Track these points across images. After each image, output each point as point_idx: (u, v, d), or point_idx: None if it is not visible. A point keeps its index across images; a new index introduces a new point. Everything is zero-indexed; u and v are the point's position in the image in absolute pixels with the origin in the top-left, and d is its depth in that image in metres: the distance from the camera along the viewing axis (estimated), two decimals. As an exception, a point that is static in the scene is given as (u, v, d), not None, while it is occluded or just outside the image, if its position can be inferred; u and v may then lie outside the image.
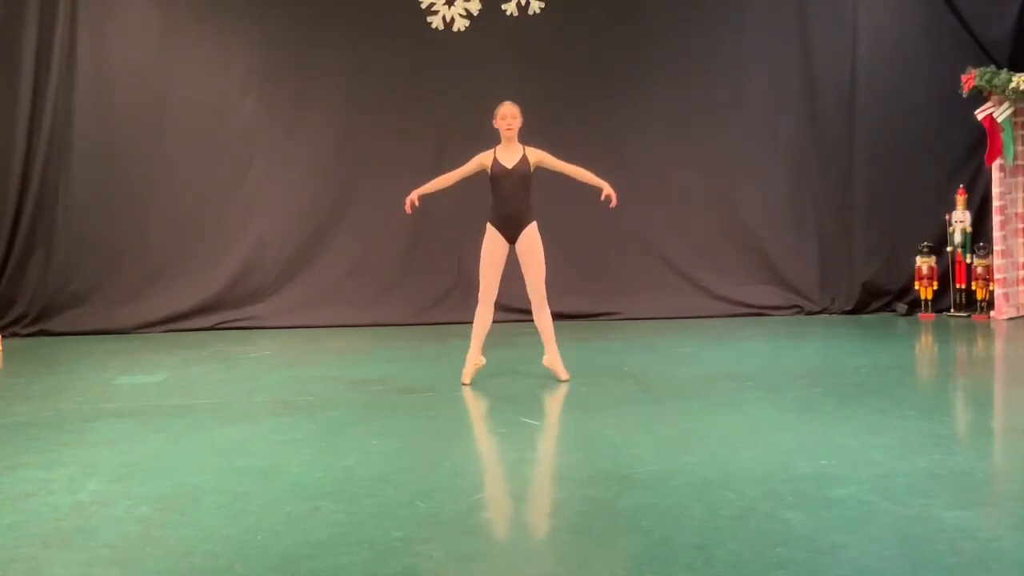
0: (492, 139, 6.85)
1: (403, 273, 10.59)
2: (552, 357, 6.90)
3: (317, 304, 10.41)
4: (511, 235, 6.71)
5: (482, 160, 6.78)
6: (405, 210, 6.87)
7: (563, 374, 6.90)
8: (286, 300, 10.46)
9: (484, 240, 6.77)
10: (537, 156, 6.78)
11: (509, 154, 6.73)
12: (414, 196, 6.86)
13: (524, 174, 6.72)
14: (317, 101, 10.52)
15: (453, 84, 10.44)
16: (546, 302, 6.79)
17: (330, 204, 10.55)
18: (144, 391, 6.97)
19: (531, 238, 6.72)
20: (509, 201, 6.69)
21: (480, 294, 6.83)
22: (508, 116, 6.71)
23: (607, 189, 6.83)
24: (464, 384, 6.83)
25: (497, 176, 6.71)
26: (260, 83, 10.48)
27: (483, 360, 6.95)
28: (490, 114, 6.82)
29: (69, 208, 10.21)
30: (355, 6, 10.54)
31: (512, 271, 6.88)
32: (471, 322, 6.90)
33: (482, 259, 6.80)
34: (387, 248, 10.55)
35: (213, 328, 10.21)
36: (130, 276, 10.27)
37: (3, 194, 10.09)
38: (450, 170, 6.97)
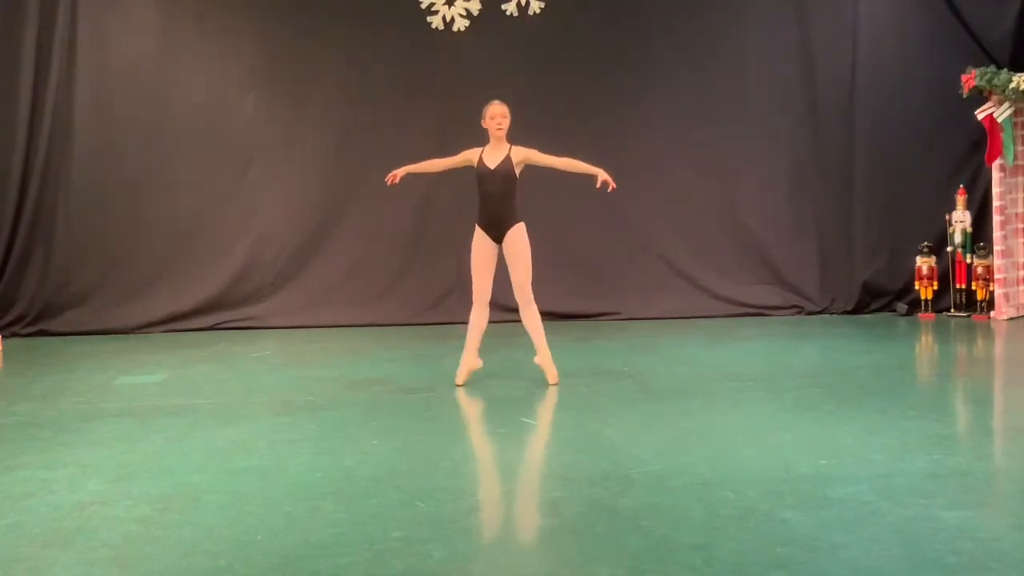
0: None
1: (403, 273, 10.58)
2: (543, 356, 6.81)
3: (317, 304, 10.40)
4: (496, 235, 6.65)
5: (470, 156, 6.72)
6: (387, 180, 6.89)
7: (553, 376, 6.81)
8: (286, 300, 10.46)
9: (472, 242, 6.74)
10: (522, 155, 6.65)
11: (494, 154, 6.65)
12: (400, 172, 6.87)
13: (507, 175, 6.60)
14: (317, 101, 10.51)
15: (453, 84, 10.43)
16: (533, 301, 6.69)
17: (330, 204, 10.54)
18: (144, 391, 6.97)
19: (517, 239, 6.62)
20: (492, 202, 6.62)
21: (473, 295, 6.80)
22: (498, 115, 6.63)
23: (601, 175, 6.68)
24: (458, 385, 6.81)
25: (481, 176, 6.65)
26: (260, 83, 10.47)
27: (479, 362, 6.92)
28: None
29: (69, 208, 10.20)
30: (355, 6, 10.53)
31: (506, 271, 6.83)
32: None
33: (472, 260, 6.75)
34: (387, 249, 10.54)
35: (213, 328, 10.20)
36: (130, 276, 10.26)
37: (3, 194, 10.08)
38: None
